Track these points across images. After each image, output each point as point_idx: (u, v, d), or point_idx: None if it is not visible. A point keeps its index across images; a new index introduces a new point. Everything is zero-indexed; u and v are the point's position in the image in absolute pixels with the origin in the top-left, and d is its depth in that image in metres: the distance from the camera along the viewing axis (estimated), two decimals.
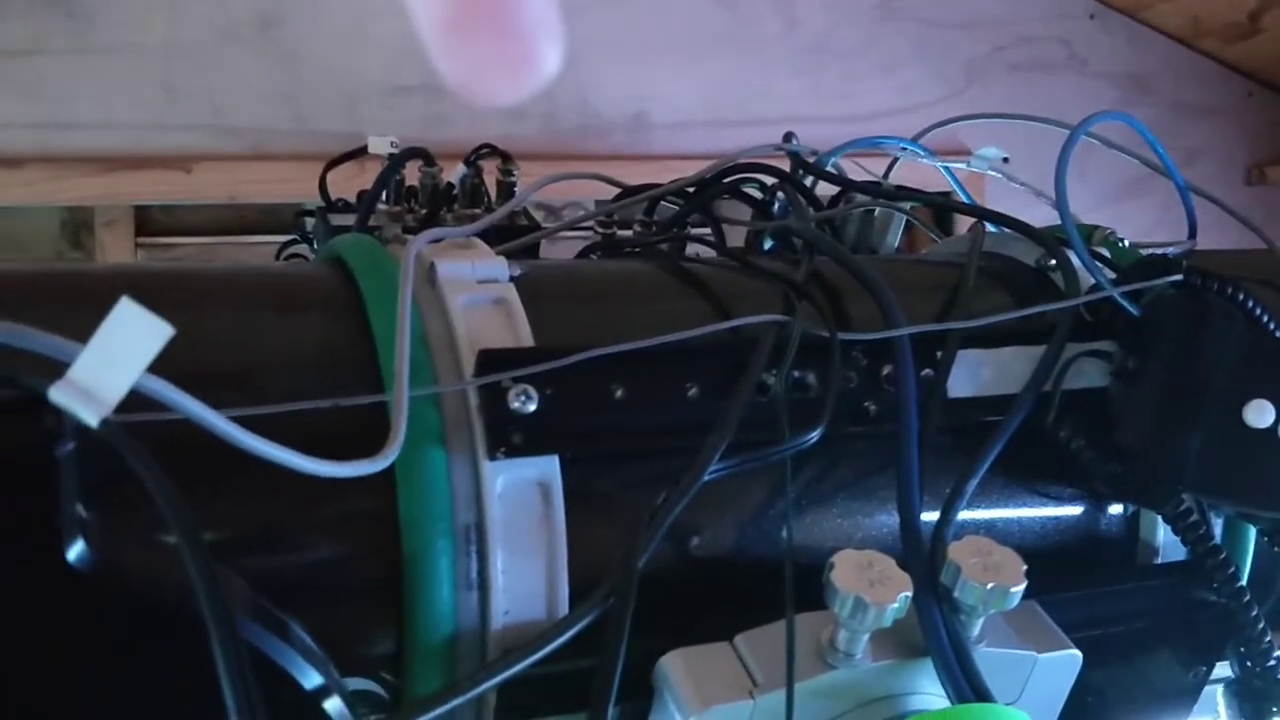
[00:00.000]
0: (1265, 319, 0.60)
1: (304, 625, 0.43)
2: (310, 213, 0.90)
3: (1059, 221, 0.66)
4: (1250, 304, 0.60)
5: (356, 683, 0.46)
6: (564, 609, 0.48)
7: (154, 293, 0.37)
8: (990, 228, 0.71)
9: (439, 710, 0.40)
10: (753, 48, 1.66)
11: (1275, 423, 0.56)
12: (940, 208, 0.75)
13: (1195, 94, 1.85)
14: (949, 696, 0.47)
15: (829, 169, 0.83)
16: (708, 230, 0.75)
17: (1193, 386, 0.57)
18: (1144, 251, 0.66)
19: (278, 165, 1.31)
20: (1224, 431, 0.56)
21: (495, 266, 0.55)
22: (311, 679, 0.36)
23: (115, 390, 0.33)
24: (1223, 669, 0.66)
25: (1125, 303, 0.60)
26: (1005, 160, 0.89)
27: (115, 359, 0.33)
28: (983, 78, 1.75)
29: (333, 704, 0.37)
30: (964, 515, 0.57)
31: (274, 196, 1.09)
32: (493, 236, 0.62)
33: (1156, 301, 0.60)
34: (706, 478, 0.48)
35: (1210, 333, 0.57)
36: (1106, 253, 0.67)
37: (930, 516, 0.52)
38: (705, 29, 1.64)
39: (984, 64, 1.76)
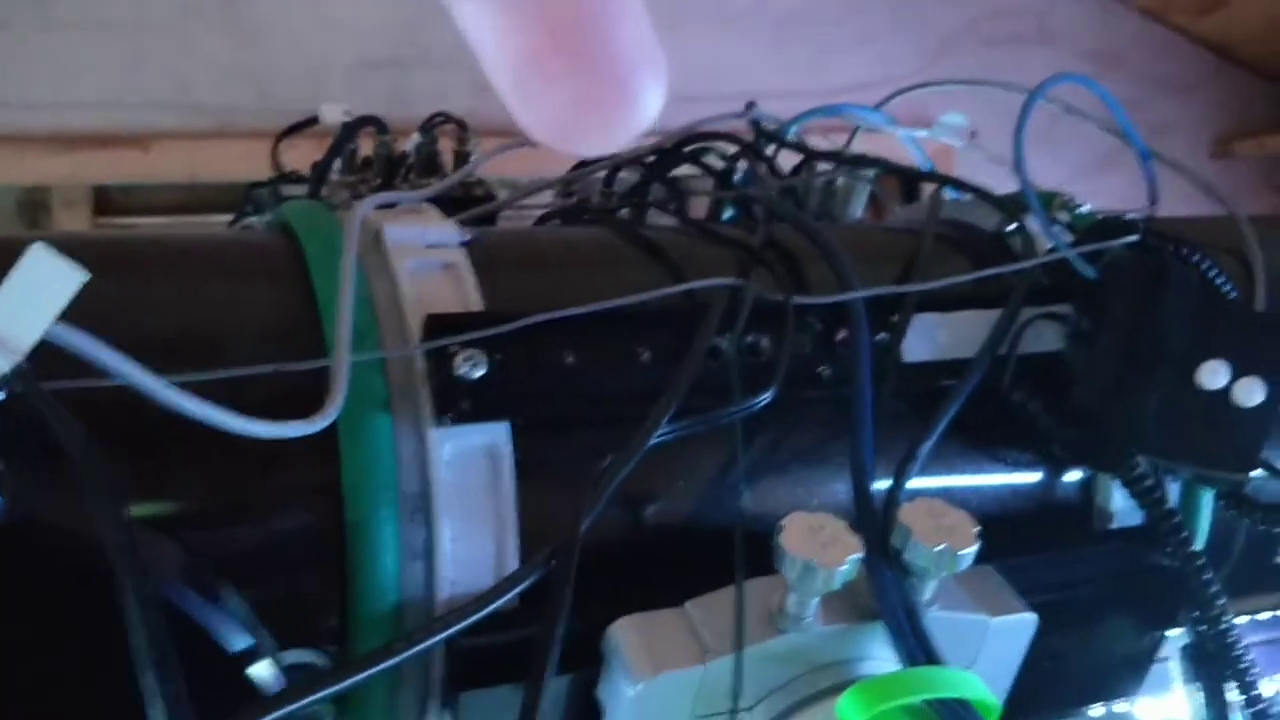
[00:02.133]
0: (1220, 281, 0.60)
1: (247, 597, 0.42)
2: (262, 184, 0.89)
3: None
4: (1205, 265, 0.60)
5: (300, 654, 0.45)
6: None
7: (93, 259, 0.36)
8: (949, 194, 0.71)
9: (371, 671, 0.40)
10: (725, 20, 1.65)
11: (1229, 384, 0.56)
12: (898, 174, 0.74)
13: (1165, 69, 1.85)
14: (900, 660, 0.47)
15: (790, 138, 0.82)
16: (667, 199, 0.74)
17: (1148, 349, 0.57)
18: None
19: (239, 143, 1.29)
20: (1179, 393, 0.56)
21: (445, 231, 0.54)
22: (238, 642, 0.35)
23: (26, 337, 0.32)
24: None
25: (1081, 265, 0.59)
26: (973, 135, 0.89)
27: (26, 305, 0.32)
28: (956, 51, 1.75)
29: (261, 668, 0.36)
30: (920, 482, 0.56)
31: (235, 175, 1.07)
32: (449, 209, 0.62)
33: (1113, 264, 0.60)
34: (655, 440, 0.47)
35: (1166, 295, 0.57)
36: (1067, 219, 0.66)
37: (885, 483, 0.52)
38: (675, 5, 1.63)
39: (958, 37, 1.76)
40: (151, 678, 0.29)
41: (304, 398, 0.46)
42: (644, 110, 0.19)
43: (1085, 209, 0.67)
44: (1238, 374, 0.56)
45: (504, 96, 0.19)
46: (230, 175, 1.11)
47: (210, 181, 1.30)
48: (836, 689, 0.45)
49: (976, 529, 0.47)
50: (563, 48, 0.18)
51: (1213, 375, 0.56)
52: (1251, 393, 0.56)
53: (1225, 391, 0.56)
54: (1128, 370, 0.57)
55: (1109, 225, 0.61)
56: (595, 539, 0.50)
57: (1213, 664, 0.62)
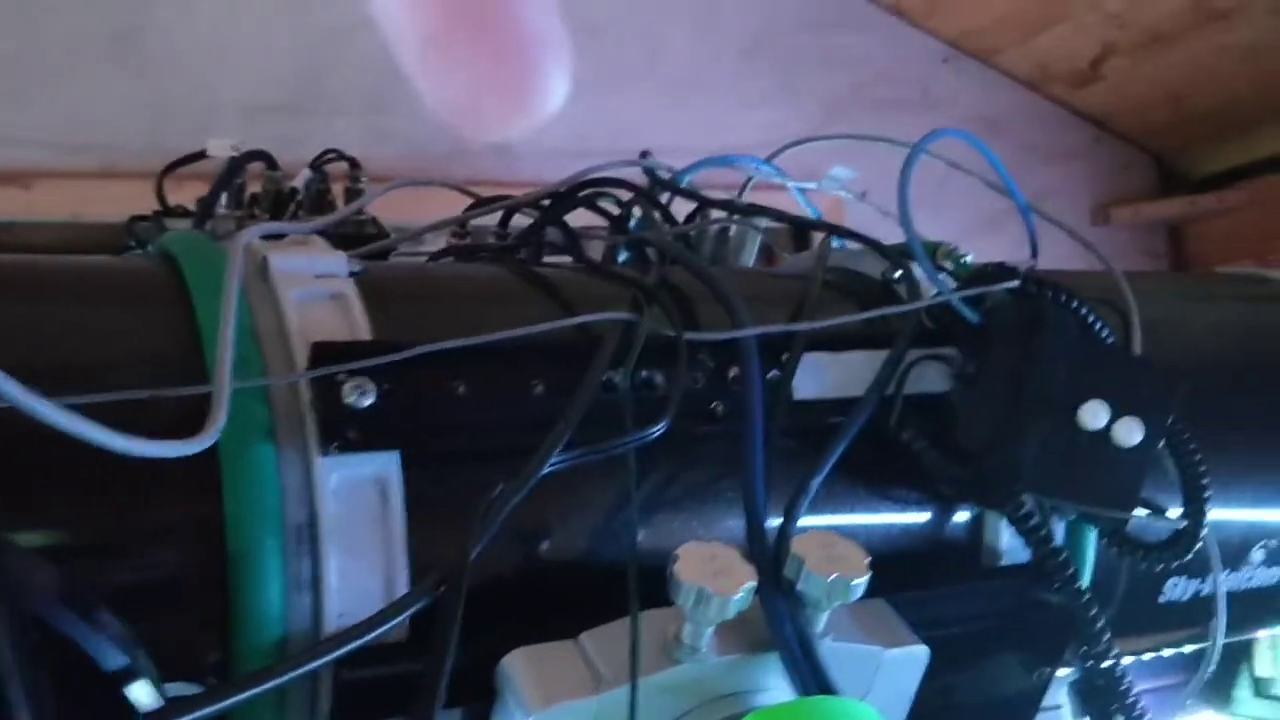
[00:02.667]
0: (1097, 325, 0.62)
1: (130, 626, 0.40)
2: (145, 218, 0.87)
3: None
4: (1083, 310, 0.62)
5: (182, 687, 0.43)
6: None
7: None
8: (837, 244, 0.73)
9: (251, 692, 0.38)
10: (619, 83, 1.68)
11: (1109, 424, 0.58)
12: (788, 222, 0.75)
13: (1044, 137, 1.93)
14: (795, 690, 0.47)
15: (684, 187, 0.83)
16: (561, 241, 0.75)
17: (1029, 390, 0.58)
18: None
19: (125, 183, 1.26)
20: (1060, 433, 0.58)
21: (333, 262, 0.53)
22: (114, 661, 0.34)
23: None
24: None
25: (964, 309, 0.61)
26: (863, 195, 0.91)
27: None
28: (843, 117, 1.80)
29: (137, 688, 0.35)
30: (811, 520, 0.57)
31: (120, 214, 1.05)
32: (341, 246, 0.61)
33: (995, 309, 0.62)
34: (548, 469, 0.47)
35: (1045, 338, 0.59)
36: (951, 267, 0.68)
37: (778, 520, 0.52)
38: (573, 64, 1.65)
39: (845, 102, 1.81)
40: (16, 688, 0.28)
41: (186, 427, 0.44)
42: (547, 94, 0.19)
43: (969, 258, 0.69)
44: (1116, 414, 0.58)
45: (410, 77, 0.18)
46: (115, 215, 1.08)
47: (94, 221, 1.27)
48: None
49: (868, 559, 0.47)
50: (466, 29, 0.18)
51: (1093, 416, 0.58)
52: (1131, 432, 0.58)
53: (1105, 431, 0.58)
54: (1010, 411, 0.58)
55: (990, 272, 0.63)
56: (489, 572, 0.49)
57: (1101, 698, 0.64)
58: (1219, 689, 1.53)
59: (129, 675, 0.34)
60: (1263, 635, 1.16)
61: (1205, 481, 0.62)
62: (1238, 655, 1.51)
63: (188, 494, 0.46)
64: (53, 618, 0.32)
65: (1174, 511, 0.63)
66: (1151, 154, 2.03)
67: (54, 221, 1.28)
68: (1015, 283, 0.61)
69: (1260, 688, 1.49)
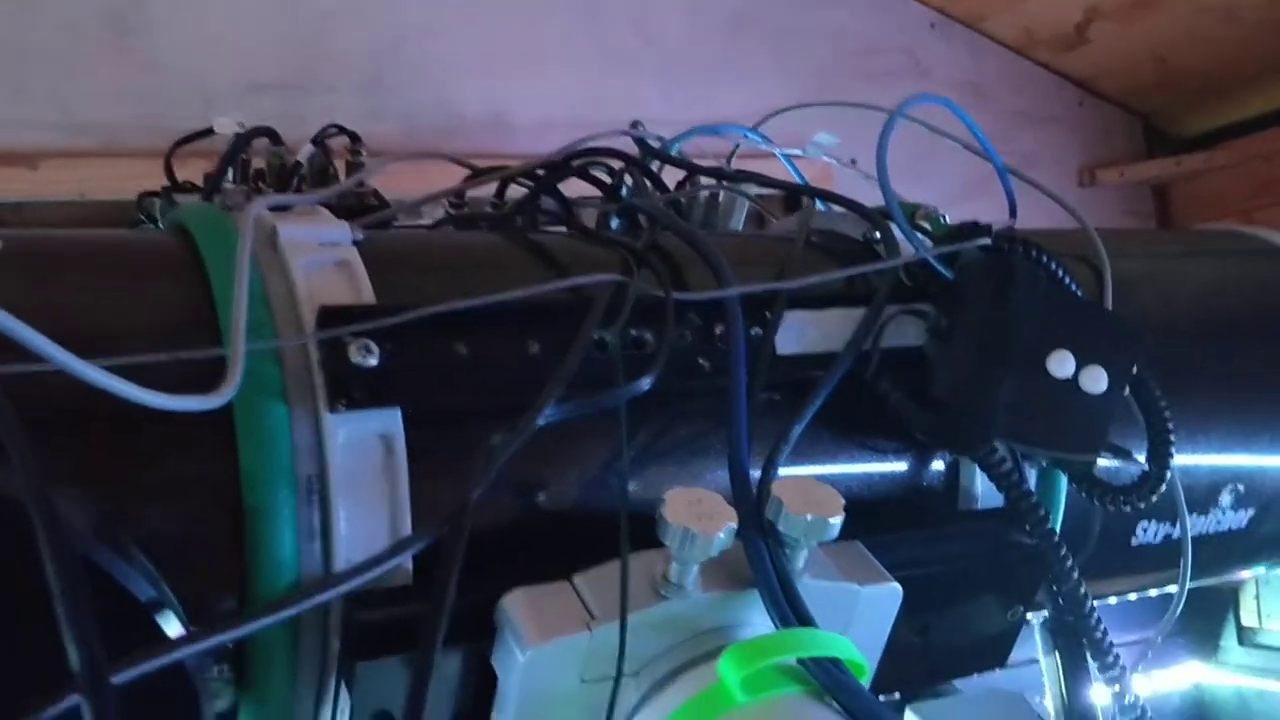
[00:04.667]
0: (1065, 277, 0.65)
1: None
2: (155, 194, 0.90)
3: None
4: (1051, 264, 0.65)
5: None
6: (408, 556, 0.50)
7: None
8: (821, 206, 0.75)
9: (267, 620, 0.41)
10: (613, 60, 1.70)
11: (1076, 372, 0.61)
12: (774, 186, 0.78)
13: (1030, 101, 1.95)
14: (775, 625, 0.50)
15: (674, 155, 0.86)
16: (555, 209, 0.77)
17: (1000, 342, 0.61)
18: None
19: (129, 161, 1.29)
20: (1029, 382, 0.61)
21: (338, 231, 0.56)
22: (145, 592, 0.37)
23: None
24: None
25: (939, 265, 0.64)
26: (853, 162, 0.93)
27: None
28: (833, 87, 1.81)
29: (166, 618, 0.38)
30: (794, 470, 0.60)
31: (126, 193, 1.07)
32: (344, 217, 0.63)
33: (969, 266, 0.65)
34: (544, 421, 0.50)
35: (1015, 292, 0.61)
36: (929, 227, 0.71)
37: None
38: (566, 42, 1.67)
39: (833, 72, 1.83)
40: (66, 609, 0.31)
41: (204, 387, 0.47)
42: None
43: (946, 219, 0.72)
44: (1082, 363, 0.61)
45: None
46: (119, 193, 1.11)
47: (102, 199, 1.30)
48: (716, 653, 0.48)
49: (842, 501, 0.50)
50: None
51: (1060, 364, 0.61)
52: (1096, 380, 0.61)
53: (1073, 380, 0.61)
54: (982, 362, 0.61)
55: (963, 230, 0.66)
56: (490, 519, 0.52)
57: (1070, 634, 0.67)
58: (1206, 640, 1.57)
59: (158, 605, 0.37)
60: (1244, 577, 1.19)
61: (1169, 426, 0.65)
62: (1224, 606, 1.54)
63: (206, 451, 0.49)
64: (92, 553, 0.35)
65: (1141, 456, 0.66)
66: (1137, 116, 2.05)
67: (62, 201, 1.30)
68: (987, 240, 0.64)
69: (1245, 637, 1.52)
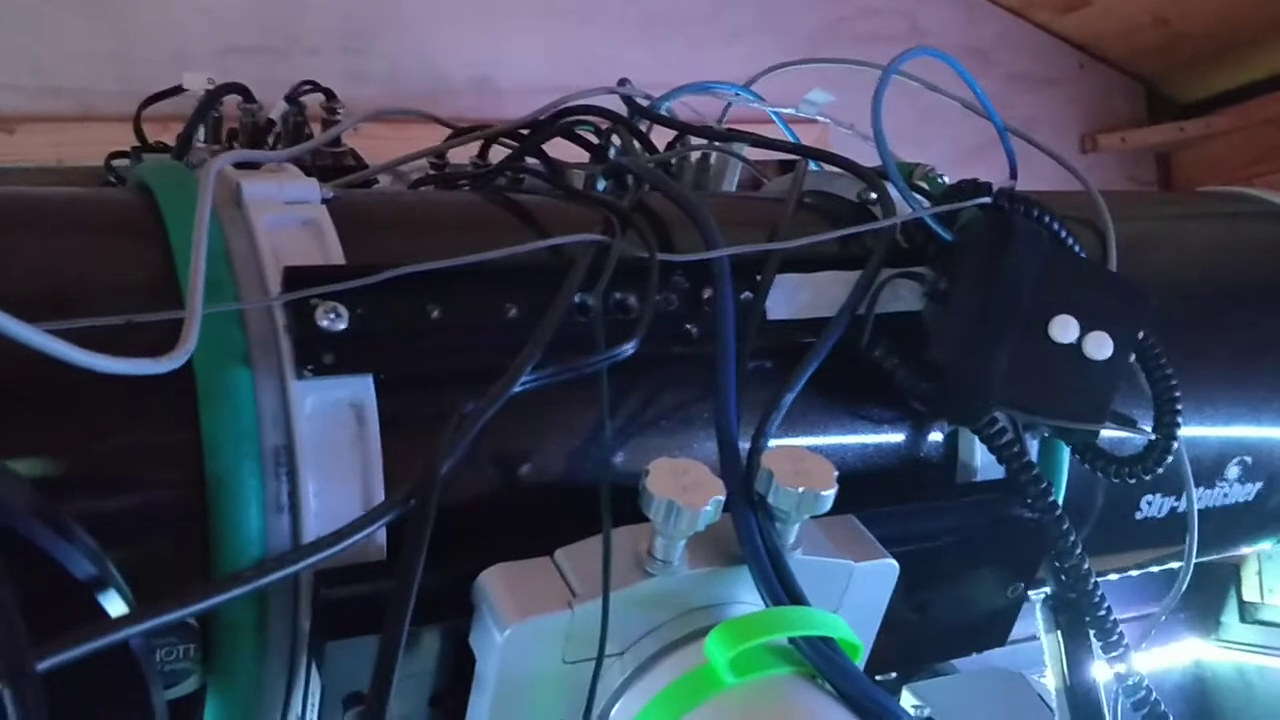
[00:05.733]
0: (1068, 239, 0.62)
1: (113, 556, 0.41)
2: (124, 154, 0.87)
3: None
4: (1054, 225, 0.62)
5: None
6: (380, 531, 0.47)
7: None
8: (815, 166, 0.73)
9: (223, 597, 0.39)
10: (598, 17, 1.67)
11: (1079, 337, 0.58)
12: (764, 145, 0.75)
13: (1030, 65, 1.92)
14: (764, 601, 0.47)
15: (663, 114, 0.83)
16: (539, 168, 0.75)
17: (1001, 305, 0.58)
18: None
19: (106, 126, 1.26)
20: (1031, 347, 0.58)
21: (305, 188, 0.53)
22: (84, 570, 0.35)
23: None
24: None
25: (937, 226, 0.61)
26: (851, 127, 0.90)
27: None
28: (827, 50, 1.78)
29: (108, 597, 0.35)
30: (785, 441, 0.58)
31: (103, 158, 1.05)
32: (320, 178, 0.61)
33: (967, 226, 0.62)
34: (520, 388, 0.47)
35: (1017, 253, 0.59)
36: (927, 188, 0.68)
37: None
38: (551, 3, 1.64)
39: (827, 34, 1.80)
40: None
41: (164, 352, 0.45)
42: None
43: (944, 179, 0.69)
44: (1086, 328, 0.58)
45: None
46: (97, 158, 1.09)
47: (79, 165, 1.28)
48: (704, 632, 0.46)
49: (835, 472, 0.48)
50: None
51: (1064, 329, 0.58)
52: (1100, 346, 0.58)
53: (1076, 345, 0.58)
54: (982, 327, 0.59)
55: (962, 189, 0.63)
56: (466, 491, 0.50)
57: (1073, 610, 0.65)
58: (1207, 616, 1.55)
59: (99, 584, 0.35)
60: (1247, 552, 1.17)
61: (1176, 394, 0.63)
62: (1225, 582, 1.53)
63: (166, 420, 0.46)
64: (27, 531, 0.33)
65: (1147, 426, 0.63)
66: (1139, 80, 2.02)
67: (39, 166, 1.28)
68: (987, 199, 0.62)
69: (1246, 613, 1.51)
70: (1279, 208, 0.86)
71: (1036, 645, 0.71)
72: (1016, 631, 0.65)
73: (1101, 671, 0.67)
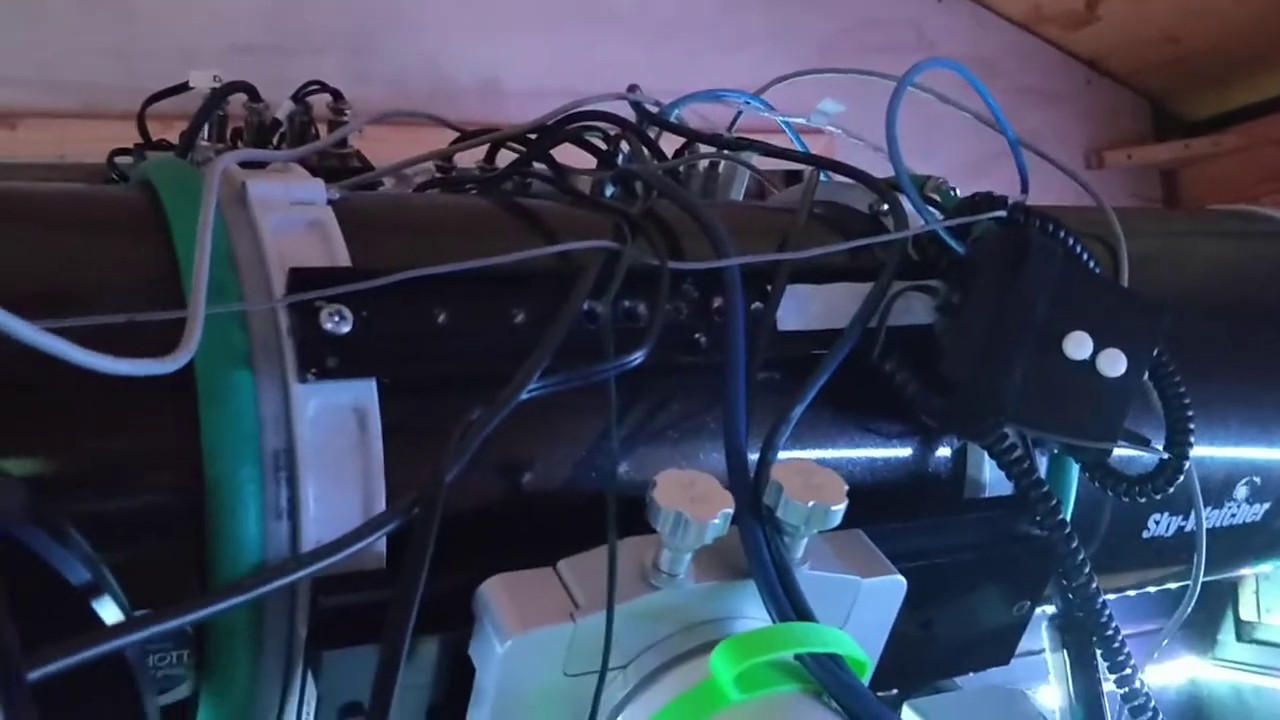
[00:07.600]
0: (1083, 254, 0.62)
1: (109, 559, 0.40)
2: (127, 151, 0.86)
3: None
4: (1070, 240, 0.61)
5: None
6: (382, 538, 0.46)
7: None
8: (825, 178, 0.72)
9: (218, 606, 0.38)
10: (605, 24, 1.66)
11: (1092, 355, 0.58)
12: (775, 155, 0.75)
13: (1037, 79, 1.92)
14: (772, 618, 0.47)
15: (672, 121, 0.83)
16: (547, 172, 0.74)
17: (1014, 320, 0.58)
18: None
19: (110, 123, 1.25)
20: (1043, 364, 0.57)
21: (311, 189, 0.53)
22: (79, 575, 0.34)
23: None
24: None
25: (950, 239, 0.60)
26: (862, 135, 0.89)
27: None
28: (834, 60, 1.77)
29: (103, 603, 0.35)
30: (794, 454, 0.57)
31: (105, 155, 1.04)
32: (326, 179, 0.60)
33: (981, 240, 0.62)
34: (526, 396, 0.47)
35: (1031, 268, 0.58)
36: (939, 200, 0.68)
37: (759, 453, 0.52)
38: (559, 7, 1.64)
39: (834, 44, 1.79)
40: None
41: (166, 352, 0.44)
42: None
43: (956, 192, 0.68)
44: (1100, 345, 0.58)
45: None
46: (101, 155, 1.08)
47: (81, 161, 1.27)
48: (709, 647, 0.45)
49: (845, 487, 0.47)
50: None
51: (1077, 346, 0.57)
52: (1114, 363, 0.58)
53: (1089, 363, 0.58)
54: (994, 342, 0.58)
55: (977, 202, 0.62)
56: (469, 500, 0.49)
57: (1080, 630, 0.64)
58: (1203, 634, 1.54)
59: (94, 590, 0.34)
60: (1247, 573, 1.17)
61: (1189, 414, 0.62)
62: (1223, 599, 1.52)
63: (166, 422, 0.45)
64: (22, 535, 0.32)
65: (1158, 445, 0.62)
66: (1146, 97, 2.02)
67: (42, 162, 1.27)
68: (1002, 212, 0.61)
69: (1243, 632, 1.50)
70: None
71: (1033, 660, 0.70)
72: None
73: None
